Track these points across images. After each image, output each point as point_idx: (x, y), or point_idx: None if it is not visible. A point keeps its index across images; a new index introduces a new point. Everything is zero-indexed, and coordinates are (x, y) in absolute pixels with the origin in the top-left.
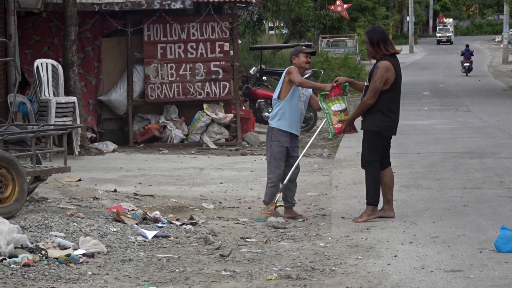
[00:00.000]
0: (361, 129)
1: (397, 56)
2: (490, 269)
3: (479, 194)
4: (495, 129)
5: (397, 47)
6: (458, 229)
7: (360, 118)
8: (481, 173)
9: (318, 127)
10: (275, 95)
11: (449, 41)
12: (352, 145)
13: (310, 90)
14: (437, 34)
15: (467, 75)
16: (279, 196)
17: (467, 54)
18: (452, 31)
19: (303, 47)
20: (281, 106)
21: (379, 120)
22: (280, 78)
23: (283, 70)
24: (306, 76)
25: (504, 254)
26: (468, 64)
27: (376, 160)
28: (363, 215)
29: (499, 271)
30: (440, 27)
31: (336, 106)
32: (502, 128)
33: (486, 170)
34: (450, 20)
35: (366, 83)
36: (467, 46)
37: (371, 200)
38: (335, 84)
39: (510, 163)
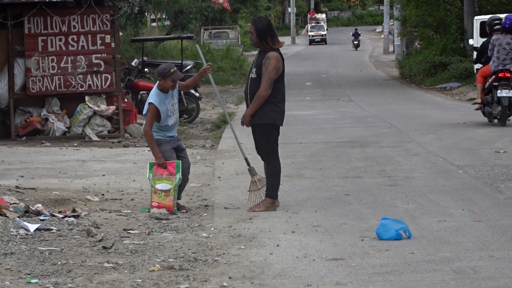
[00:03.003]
0: (253, 123)
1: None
2: (372, 257)
3: (360, 183)
4: (376, 118)
5: (280, 39)
6: (340, 218)
7: (243, 111)
8: (362, 162)
9: (201, 118)
10: (144, 111)
11: (323, 41)
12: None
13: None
14: (309, 33)
15: (356, 49)
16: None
17: (356, 34)
18: (326, 29)
19: (172, 70)
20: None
21: (272, 111)
22: None
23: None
24: (188, 67)
25: (385, 241)
26: (356, 42)
27: (277, 152)
28: (261, 205)
29: (380, 258)
30: (312, 24)
31: (161, 186)
32: (383, 117)
33: (368, 159)
34: (323, 15)
35: (252, 75)
36: (356, 29)
37: (273, 193)
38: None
39: (391, 152)
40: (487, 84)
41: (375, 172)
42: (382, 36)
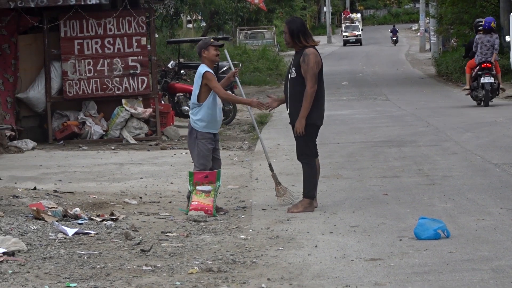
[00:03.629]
0: (290, 123)
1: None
2: (410, 257)
3: (398, 183)
4: (413, 117)
5: (316, 38)
6: (377, 218)
7: (280, 111)
8: (400, 162)
9: (238, 119)
10: (194, 99)
11: (358, 41)
12: (272, 137)
13: None
14: (343, 34)
15: (395, 45)
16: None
17: (394, 31)
18: (361, 29)
19: (212, 40)
20: (201, 109)
21: (312, 111)
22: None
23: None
24: (225, 68)
25: (423, 241)
26: (395, 38)
27: (313, 152)
28: (299, 206)
29: (418, 258)
30: (347, 24)
31: (202, 187)
32: (420, 116)
33: (405, 159)
34: (358, 15)
35: (291, 75)
36: (394, 25)
37: (309, 193)
38: (268, 106)
39: (428, 151)
40: (473, 73)
41: (413, 171)
42: (418, 34)
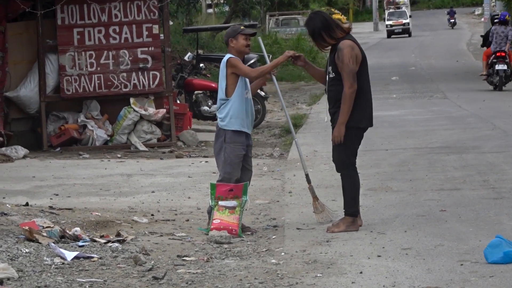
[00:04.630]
0: (333, 125)
1: (359, 35)
2: (473, 285)
3: (458, 197)
4: (477, 118)
5: (360, 25)
6: (434, 239)
7: (318, 112)
8: (460, 172)
9: (268, 122)
10: (221, 94)
11: (406, 31)
12: (308, 142)
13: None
14: (387, 22)
15: (452, 28)
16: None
17: (452, 12)
18: (409, 16)
19: (242, 27)
20: (231, 104)
21: (355, 111)
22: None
23: (224, 56)
24: (252, 61)
25: (490, 266)
26: (453, 20)
27: (354, 162)
28: (340, 224)
29: (483, 286)
30: (391, 10)
31: (225, 202)
32: (484, 117)
33: (467, 168)
34: None
35: (330, 75)
36: (451, 7)
37: (351, 210)
38: (290, 56)
39: (495, 159)
40: (490, 61)
41: (476, 183)
42: (482, 19)
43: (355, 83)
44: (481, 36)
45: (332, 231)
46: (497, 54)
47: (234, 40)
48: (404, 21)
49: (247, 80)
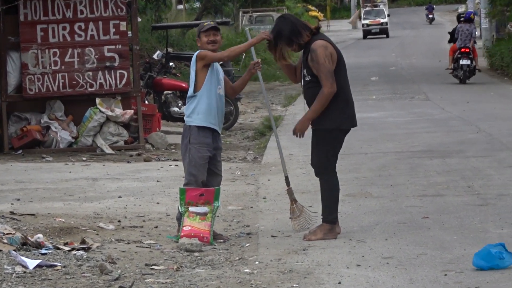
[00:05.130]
0: (313, 128)
1: (336, 34)
2: None
3: (442, 203)
4: (460, 121)
5: (338, 23)
6: (416, 247)
7: (294, 113)
8: (444, 177)
9: (241, 124)
10: (190, 90)
11: (383, 32)
12: (283, 145)
13: (221, 73)
14: (363, 22)
15: (431, 23)
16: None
17: (430, 7)
18: (387, 15)
19: (205, 24)
20: (198, 99)
21: (335, 112)
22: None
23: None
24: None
25: (475, 277)
26: (431, 16)
27: (334, 165)
28: (317, 232)
29: None
30: (367, 9)
31: (196, 208)
32: (468, 119)
33: (450, 173)
34: None
35: (306, 78)
36: (430, 1)
37: (330, 217)
38: (265, 37)
39: (480, 163)
40: (455, 56)
41: (460, 188)
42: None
43: (334, 84)
44: (449, 32)
45: (309, 239)
46: (462, 50)
47: (199, 40)
48: (382, 20)
49: (221, 76)
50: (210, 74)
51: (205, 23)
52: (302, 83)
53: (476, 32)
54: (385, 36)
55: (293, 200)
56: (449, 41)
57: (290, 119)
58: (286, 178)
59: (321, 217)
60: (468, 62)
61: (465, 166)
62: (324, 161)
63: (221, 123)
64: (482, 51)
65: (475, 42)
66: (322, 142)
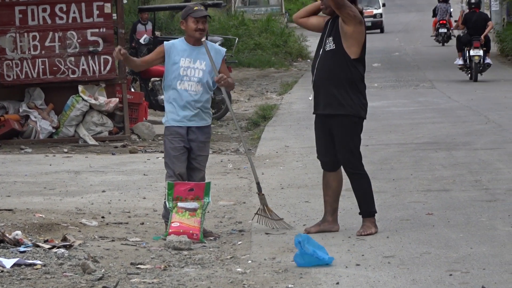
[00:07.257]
0: (328, 113)
1: None
2: None
3: (447, 199)
4: (468, 110)
5: None
6: (420, 246)
7: (289, 102)
8: (450, 171)
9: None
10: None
11: (376, 25)
12: (279, 136)
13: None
14: None
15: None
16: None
17: (443, 10)
18: (382, 4)
19: (195, 8)
20: (164, 96)
21: (359, 100)
22: None
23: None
24: (218, 43)
25: (482, 277)
26: (444, 30)
27: (361, 156)
28: (372, 227)
29: None
30: None
31: (185, 204)
32: (477, 109)
33: (457, 166)
34: None
35: (327, 47)
36: None
37: (373, 209)
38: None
39: (488, 156)
40: (436, 27)
41: (467, 183)
42: None
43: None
44: (433, 10)
45: (362, 234)
46: (441, 22)
47: (185, 23)
48: (375, 11)
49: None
50: (171, 67)
51: (195, 7)
52: (320, 54)
53: (451, 9)
54: (378, 31)
55: (265, 205)
56: (433, 16)
57: (286, 108)
58: (258, 184)
59: (361, 213)
60: (445, 30)
61: (472, 159)
62: (356, 154)
63: (189, 115)
64: (492, 36)
65: (450, 16)
66: (351, 131)
